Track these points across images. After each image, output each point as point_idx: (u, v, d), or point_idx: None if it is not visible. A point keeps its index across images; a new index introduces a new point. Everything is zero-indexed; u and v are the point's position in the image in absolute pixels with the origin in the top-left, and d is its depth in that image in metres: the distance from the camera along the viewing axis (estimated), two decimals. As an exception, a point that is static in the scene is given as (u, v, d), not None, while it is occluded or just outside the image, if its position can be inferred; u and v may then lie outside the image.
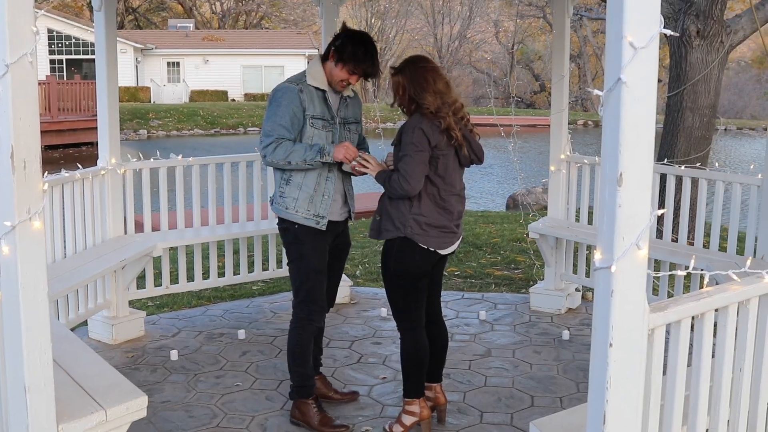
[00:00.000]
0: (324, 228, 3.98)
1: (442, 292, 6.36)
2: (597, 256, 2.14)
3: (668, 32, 2.08)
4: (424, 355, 3.95)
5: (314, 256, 3.97)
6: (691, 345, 2.48)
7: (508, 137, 8.14)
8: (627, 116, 2.05)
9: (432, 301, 4.10)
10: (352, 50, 3.85)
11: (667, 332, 2.39)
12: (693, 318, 2.46)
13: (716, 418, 2.65)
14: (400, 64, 3.85)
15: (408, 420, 3.96)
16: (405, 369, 3.97)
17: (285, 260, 6.21)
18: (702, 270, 4.61)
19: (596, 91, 2.14)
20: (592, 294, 6.26)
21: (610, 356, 2.15)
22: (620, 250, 2.09)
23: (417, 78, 3.74)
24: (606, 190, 2.10)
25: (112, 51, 5.40)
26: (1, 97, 2.13)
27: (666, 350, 2.40)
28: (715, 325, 2.56)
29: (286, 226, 4.00)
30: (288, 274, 6.23)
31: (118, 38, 5.71)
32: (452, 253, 3.99)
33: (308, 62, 4.44)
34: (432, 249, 3.79)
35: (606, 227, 2.11)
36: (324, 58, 3.96)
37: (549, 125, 6.15)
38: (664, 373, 2.44)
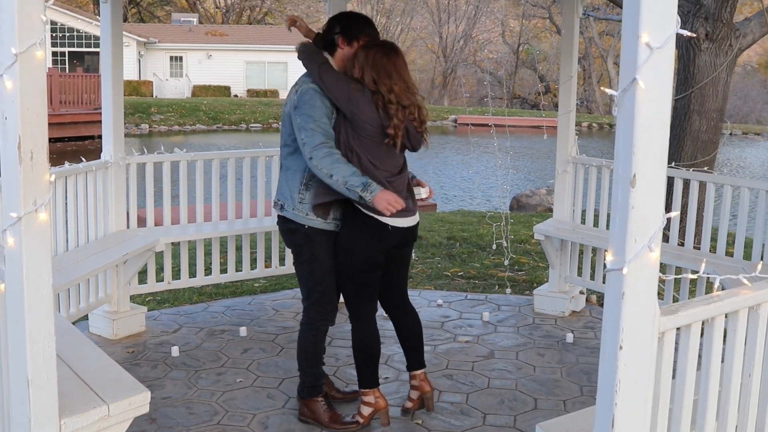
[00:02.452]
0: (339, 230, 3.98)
1: (446, 293, 6.46)
2: (608, 257, 2.12)
3: (685, 33, 2.06)
4: (374, 347, 3.99)
5: (327, 256, 3.92)
6: (700, 349, 2.46)
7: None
8: (641, 117, 2.02)
9: (399, 291, 4.14)
10: (356, 24, 3.93)
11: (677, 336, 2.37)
12: (703, 322, 2.44)
13: (724, 423, 2.63)
14: (372, 43, 3.84)
15: (366, 411, 4.01)
16: (356, 360, 4.01)
17: (288, 258, 6.24)
18: (709, 275, 4.59)
19: (610, 92, 2.12)
20: (597, 297, 6.24)
21: (620, 359, 2.12)
22: (632, 252, 2.07)
23: (378, 68, 3.74)
24: (619, 191, 2.08)
25: (118, 44, 5.37)
26: (9, 86, 2.11)
27: (675, 354, 2.38)
28: (725, 330, 2.54)
29: (294, 228, 3.92)
30: (290, 271, 6.27)
31: (123, 31, 5.67)
32: (413, 236, 3.97)
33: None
34: (381, 219, 3.74)
35: (618, 229, 2.09)
36: (332, 53, 3.94)
37: (552, 126, 6.12)
38: (674, 377, 2.42)
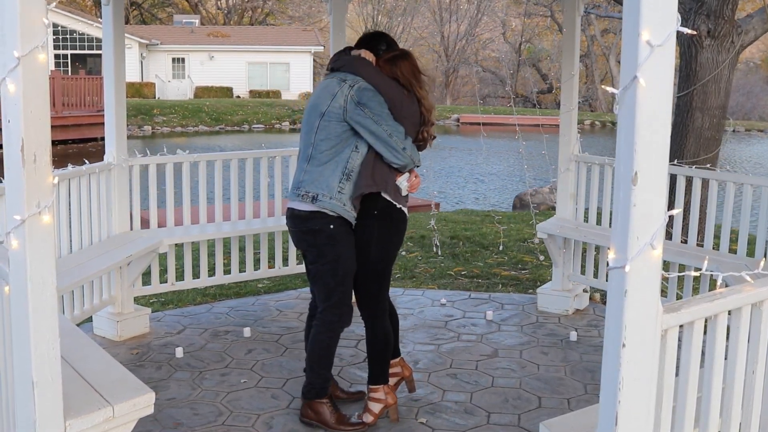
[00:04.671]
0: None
1: (449, 292, 6.45)
2: (610, 255, 2.12)
3: (686, 30, 2.06)
4: (390, 341, 4.07)
5: (350, 256, 3.90)
6: (703, 346, 2.46)
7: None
8: (642, 115, 2.02)
9: None
10: (395, 44, 4.13)
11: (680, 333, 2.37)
12: (706, 320, 2.44)
13: (728, 420, 2.63)
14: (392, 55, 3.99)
15: (376, 408, 4.03)
16: (373, 356, 4.05)
17: (291, 258, 6.25)
18: (712, 272, 4.58)
19: (611, 90, 2.12)
20: (600, 295, 6.24)
21: (623, 357, 2.12)
22: (634, 250, 2.07)
23: (411, 77, 3.94)
24: (620, 189, 2.08)
25: (120, 46, 5.38)
26: (12, 89, 2.12)
27: (678, 351, 2.38)
28: (728, 327, 2.54)
29: (319, 227, 3.84)
30: (293, 272, 6.29)
31: (125, 33, 5.68)
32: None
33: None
34: (404, 208, 3.95)
35: (620, 226, 2.09)
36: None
37: (554, 124, 6.13)
38: (677, 374, 2.42)
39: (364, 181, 3.84)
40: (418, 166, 4.02)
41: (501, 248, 8.12)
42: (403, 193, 3.95)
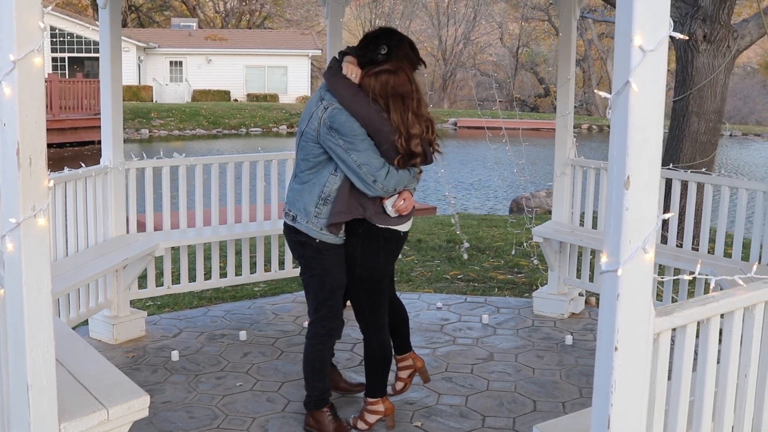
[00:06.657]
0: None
1: (445, 295, 6.47)
2: (603, 259, 2.13)
3: (678, 35, 2.07)
4: (389, 354, 4.03)
5: (338, 270, 3.86)
6: (696, 350, 2.47)
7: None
8: (635, 119, 2.03)
9: (392, 284, 4.21)
10: (403, 47, 3.79)
11: (673, 337, 2.38)
12: (698, 323, 2.45)
13: (720, 424, 2.64)
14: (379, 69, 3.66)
15: (372, 418, 4.03)
16: (371, 370, 4.01)
17: (288, 262, 6.26)
18: (707, 275, 4.60)
19: (604, 94, 2.13)
20: (596, 299, 6.25)
21: (615, 360, 2.13)
22: (627, 254, 2.08)
23: (393, 96, 3.63)
24: (613, 192, 2.09)
25: (117, 49, 5.38)
26: (8, 93, 2.13)
27: (671, 355, 2.39)
28: (721, 331, 2.55)
29: (304, 240, 3.82)
30: (290, 275, 6.29)
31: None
32: (406, 235, 3.97)
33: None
34: (392, 227, 3.79)
35: (612, 230, 2.10)
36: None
37: (552, 129, 6.14)
38: (669, 378, 2.43)
39: (338, 208, 3.71)
40: (416, 185, 3.88)
41: (497, 251, 8.13)
42: (392, 216, 3.78)
